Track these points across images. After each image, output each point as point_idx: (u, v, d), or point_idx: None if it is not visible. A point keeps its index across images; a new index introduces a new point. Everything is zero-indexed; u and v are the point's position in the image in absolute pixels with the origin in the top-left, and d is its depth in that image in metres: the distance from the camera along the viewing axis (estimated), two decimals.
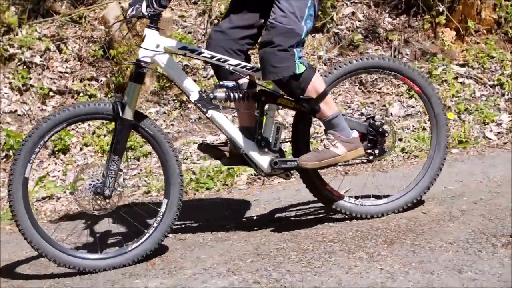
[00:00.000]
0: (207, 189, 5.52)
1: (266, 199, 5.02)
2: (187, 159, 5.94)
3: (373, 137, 4.31)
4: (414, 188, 4.45)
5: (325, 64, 6.68)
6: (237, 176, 5.56)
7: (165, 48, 4.03)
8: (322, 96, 4.09)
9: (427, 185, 4.45)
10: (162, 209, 4.09)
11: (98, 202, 4.00)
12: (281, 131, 4.22)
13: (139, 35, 6.30)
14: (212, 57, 4.08)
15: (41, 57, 6.63)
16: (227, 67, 4.07)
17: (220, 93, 4.10)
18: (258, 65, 4.08)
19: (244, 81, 4.16)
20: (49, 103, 6.47)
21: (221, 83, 4.11)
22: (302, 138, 4.32)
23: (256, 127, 4.18)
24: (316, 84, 4.08)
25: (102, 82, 6.55)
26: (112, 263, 4.05)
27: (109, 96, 6.44)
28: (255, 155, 4.17)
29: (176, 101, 6.46)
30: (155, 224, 4.10)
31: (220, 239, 4.37)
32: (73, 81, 6.57)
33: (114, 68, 6.47)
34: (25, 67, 6.57)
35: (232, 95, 4.10)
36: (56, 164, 6.03)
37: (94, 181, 4.00)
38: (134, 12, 3.92)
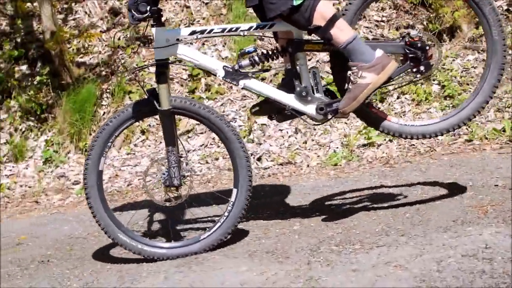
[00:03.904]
0: None
1: None
2: None
3: (414, 55, 4.03)
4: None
5: None
6: None
7: (176, 39, 4.02)
8: (331, 21, 3.91)
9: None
10: (232, 198, 4.10)
11: (172, 193, 4.09)
12: (318, 74, 4.07)
13: None
14: (223, 30, 4.08)
15: None
16: (241, 34, 4.07)
17: (245, 61, 4.08)
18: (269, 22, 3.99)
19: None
20: None
21: (242, 50, 4.08)
22: (342, 77, 4.09)
23: (292, 79, 4.08)
24: (322, 10, 3.91)
25: (418, 30, 6.48)
26: (183, 252, 4.09)
27: None
28: (300, 106, 4.07)
29: None
30: (225, 214, 4.11)
31: None
32: (389, 30, 6.58)
33: (431, 14, 6.37)
34: None
35: (257, 58, 4.08)
36: None
37: (161, 176, 4.09)
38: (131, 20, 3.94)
